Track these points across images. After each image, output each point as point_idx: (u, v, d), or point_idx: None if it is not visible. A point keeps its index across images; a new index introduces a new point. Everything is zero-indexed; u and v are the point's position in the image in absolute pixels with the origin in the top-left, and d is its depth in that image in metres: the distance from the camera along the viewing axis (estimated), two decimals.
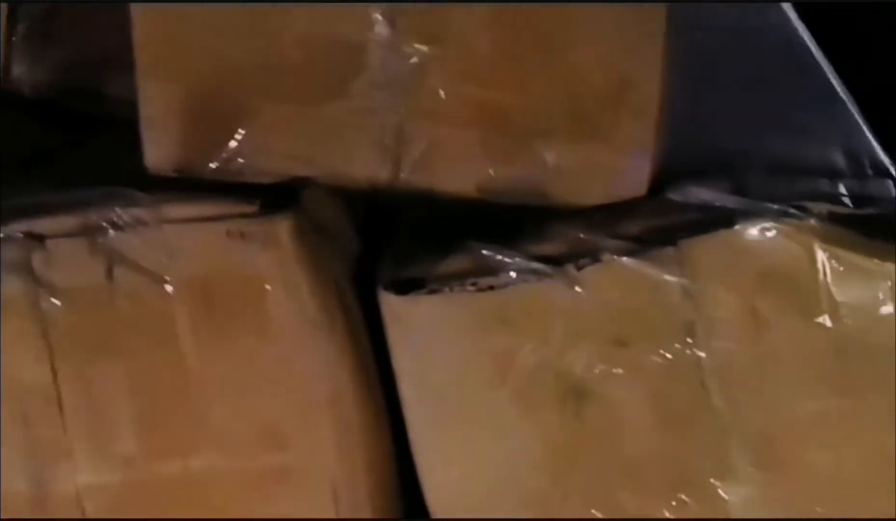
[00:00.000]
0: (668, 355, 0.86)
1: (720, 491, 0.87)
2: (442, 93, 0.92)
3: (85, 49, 1.15)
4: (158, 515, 0.87)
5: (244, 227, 0.86)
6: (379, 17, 0.92)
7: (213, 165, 0.93)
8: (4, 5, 1.14)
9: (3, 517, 0.88)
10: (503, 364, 0.88)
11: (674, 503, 0.87)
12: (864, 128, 0.95)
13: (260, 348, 0.88)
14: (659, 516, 0.85)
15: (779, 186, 0.89)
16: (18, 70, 1.15)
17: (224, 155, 0.93)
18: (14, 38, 1.15)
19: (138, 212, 0.86)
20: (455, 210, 0.95)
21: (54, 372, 0.87)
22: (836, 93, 0.99)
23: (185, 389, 0.88)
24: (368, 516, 0.88)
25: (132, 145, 0.96)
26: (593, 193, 0.92)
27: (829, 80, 1.00)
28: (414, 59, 0.92)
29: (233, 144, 0.93)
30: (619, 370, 0.87)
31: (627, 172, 0.93)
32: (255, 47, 0.92)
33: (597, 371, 0.87)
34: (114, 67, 1.12)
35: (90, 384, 0.87)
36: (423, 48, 0.92)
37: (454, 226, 0.92)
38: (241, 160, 0.93)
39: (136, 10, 0.91)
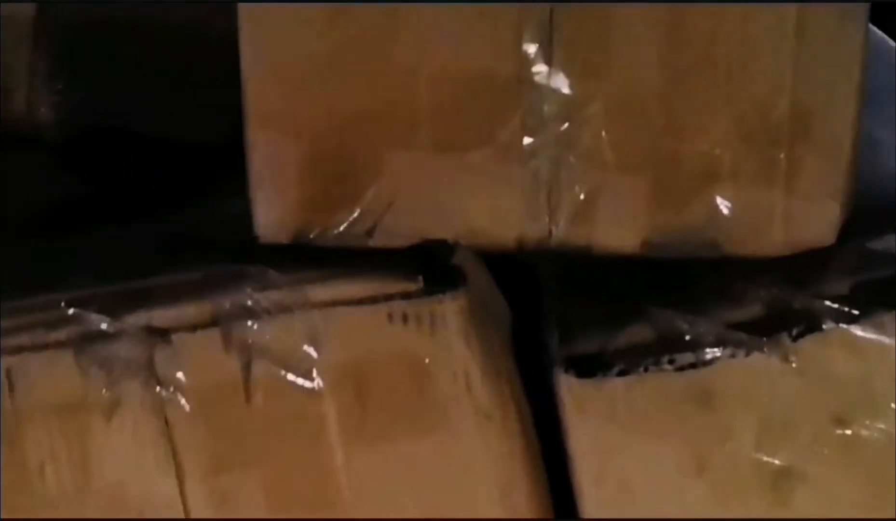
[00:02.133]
0: (891, 431, 0.74)
1: None
2: (604, 135, 0.79)
3: (115, 82, 0.99)
4: None
5: (407, 308, 0.72)
6: (533, 50, 0.78)
7: (337, 230, 0.79)
8: (26, 47, 0.98)
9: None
10: (701, 451, 0.76)
11: None
12: None
13: (422, 445, 0.75)
14: None
15: None
16: (44, 112, 1.00)
17: (350, 216, 0.79)
18: (37, 79, 0.99)
19: (279, 295, 0.72)
20: (611, 266, 0.82)
21: (181, 483, 0.72)
22: None
23: (334, 496, 0.75)
24: None
25: (216, 206, 0.80)
26: (774, 244, 0.81)
27: None
28: (573, 98, 0.78)
29: (359, 203, 0.79)
30: (835, 450, 0.75)
31: (813, 219, 0.81)
32: (384, 91, 0.79)
33: (810, 453, 0.75)
34: (151, 102, 1.00)
35: (222, 496, 0.73)
36: (584, 85, 0.78)
37: (621, 286, 0.79)
38: (369, 222, 0.79)
39: (247, 52, 0.77)
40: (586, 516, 0.78)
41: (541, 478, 0.79)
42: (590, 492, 0.79)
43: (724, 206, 0.81)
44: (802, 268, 0.80)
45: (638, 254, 0.82)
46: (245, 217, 0.80)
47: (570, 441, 0.78)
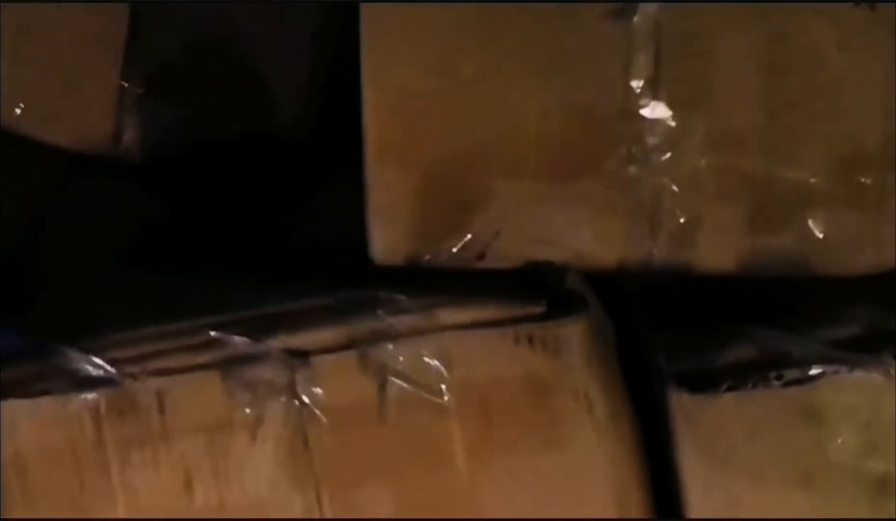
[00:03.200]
0: None
1: None
2: (704, 163, 0.84)
3: (202, 102, 1.02)
4: None
5: (533, 331, 0.76)
6: (638, 85, 0.83)
7: (448, 254, 0.83)
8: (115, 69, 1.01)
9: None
10: (808, 464, 0.80)
11: None
12: None
13: (544, 460, 0.79)
14: None
15: None
16: (129, 135, 1.02)
17: (461, 242, 0.84)
18: (125, 101, 1.02)
19: (412, 319, 0.76)
20: (697, 285, 0.86)
21: (318, 497, 0.76)
22: None
23: (460, 509, 0.78)
24: None
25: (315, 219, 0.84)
26: (862, 264, 0.86)
27: None
28: (675, 129, 0.83)
29: (470, 229, 0.84)
30: None
31: None
32: (495, 125, 0.84)
33: None
34: (238, 120, 1.01)
35: (356, 510, 0.77)
36: (686, 117, 0.83)
37: (711, 304, 0.83)
38: (479, 247, 0.84)
39: (370, 91, 0.81)
40: (690, 509, 0.81)
41: (650, 490, 0.83)
42: (697, 504, 0.82)
43: (816, 229, 0.85)
44: (894, 289, 0.84)
45: (735, 275, 0.86)
46: (350, 234, 0.84)
47: (679, 454, 0.81)
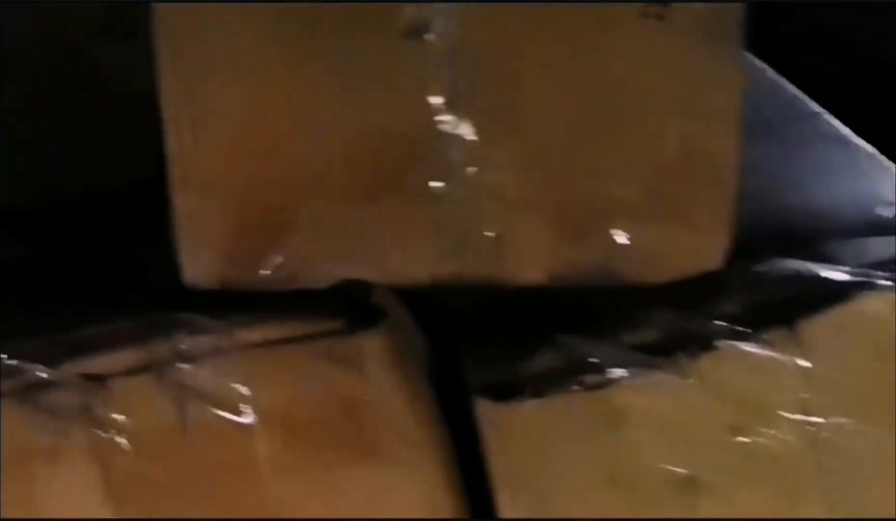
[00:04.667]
0: (786, 438, 0.81)
1: None
2: (508, 178, 0.85)
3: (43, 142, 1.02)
4: None
5: (332, 346, 0.77)
6: (437, 102, 0.84)
7: (260, 276, 0.84)
8: None
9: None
10: (613, 465, 0.82)
11: None
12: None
13: (352, 475, 0.80)
14: None
15: (856, 249, 0.86)
16: None
17: (272, 264, 0.85)
18: None
19: (210, 340, 0.77)
20: (520, 298, 0.88)
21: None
22: (849, 138, 0.97)
23: None
24: None
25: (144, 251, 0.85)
26: (668, 271, 0.88)
27: (834, 126, 0.99)
28: (479, 144, 0.85)
29: (281, 251, 0.85)
30: (735, 458, 0.82)
31: (702, 247, 0.88)
32: (298, 149, 0.84)
33: (712, 462, 0.81)
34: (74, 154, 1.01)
35: None
36: (489, 131, 0.85)
37: (532, 317, 0.85)
38: (291, 268, 0.85)
39: (169, 107, 0.82)
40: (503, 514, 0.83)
41: (463, 498, 0.84)
42: (507, 505, 0.84)
43: (620, 239, 0.87)
44: (696, 293, 0.86)
45: (545, 286, 0.88)
46: (173, 264, 0.85)
47: (489, 460, 0.83)
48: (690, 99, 0.85)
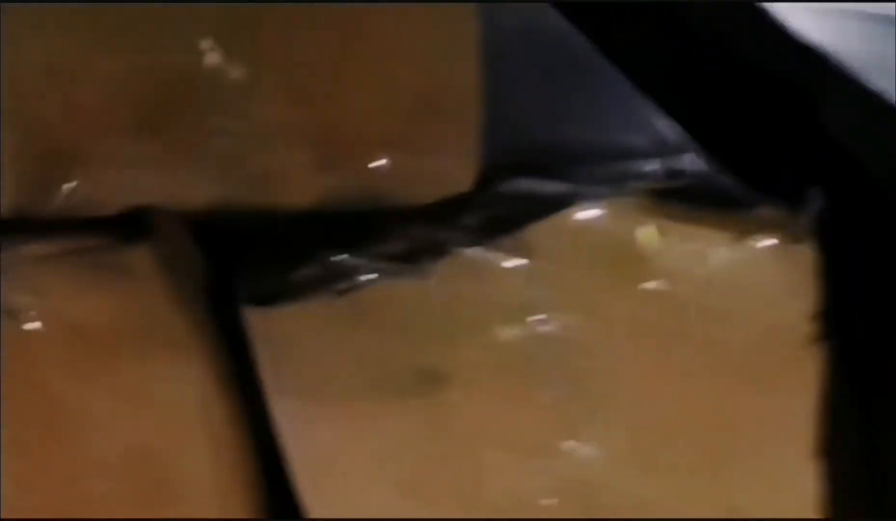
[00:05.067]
0: (518, 333, 0.93)
1: (571, 452, 0.95)
2: (271, 114, 0.96)
3: None
4: None
5: (100, 258, 0.87)
6: (205, 43, 0.95)
7: (52, 205, 0.95)
8: None
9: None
10: (365, 362, 0.93)
11: (528, 464, 0.94)
12: (659, 111, 1.06)
13: (130, 377, 0.90)
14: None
15: (599, 171, 0.98)
16: None
17: (63, 194, 0.95)
18: None
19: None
20: (300, 221, 0.99)
21: None
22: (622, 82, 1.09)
23: (59, 431, 0.89)
24: (241, 515, 0.92)
25: None
26: (423, 194, 0.99)
27: (611, 71, 1.10)
28: (242, 83, 0.96)
29: (71, 182, 0.95)
30: (475, 352, 0.93)
31: (453, 172, 1.00)
32: (86, 88, 0.94)
33: (455, 357, 0.93)
34: None
35: None
36: (249, 71, 0.96)
37: (303, 236, 0.96)
38: (81, 197, 0.95)
39: None
40: (282, 432, 0.93)
41: (235, 392, 0.95)
42: (280, 408, 0.95)
43: (378, 168, 0.99)
44: (445, 211, 0.98)
45: (314, 210, 0.99)
46: None
47: (259, 366, 0.94)
48: (430, 34, 0.98)
